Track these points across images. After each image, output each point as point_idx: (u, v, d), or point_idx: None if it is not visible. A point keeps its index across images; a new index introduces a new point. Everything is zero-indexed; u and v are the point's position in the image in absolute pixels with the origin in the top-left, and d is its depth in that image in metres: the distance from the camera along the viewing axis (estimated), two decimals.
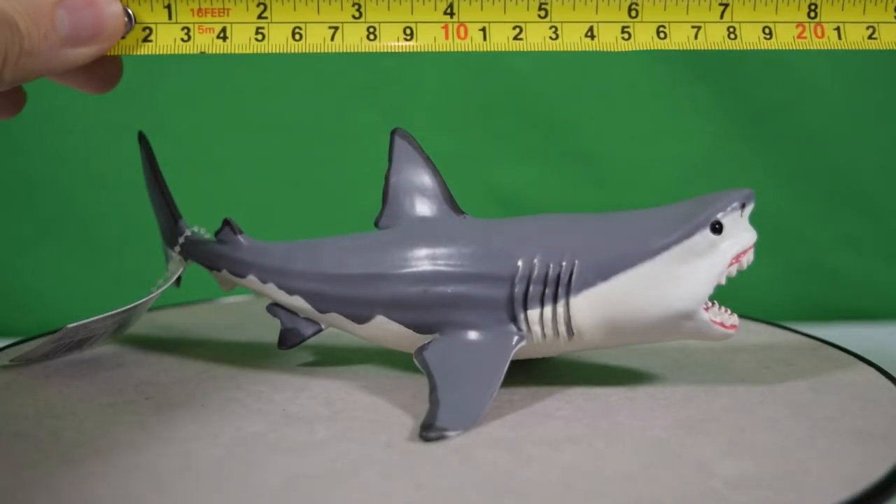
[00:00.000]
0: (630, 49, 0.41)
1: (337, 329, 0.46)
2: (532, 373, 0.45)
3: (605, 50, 0.41)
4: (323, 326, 0.46)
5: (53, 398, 0.43)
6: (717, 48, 0.41)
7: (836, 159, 0.73)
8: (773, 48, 0.42)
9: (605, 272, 0.40)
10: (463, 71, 0.72)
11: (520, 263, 0.41)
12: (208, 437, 0.38)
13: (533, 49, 0.41)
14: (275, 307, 0.47)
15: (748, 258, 0.41)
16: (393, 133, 0.46)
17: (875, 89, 0.71)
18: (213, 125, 0.73)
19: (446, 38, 0.41)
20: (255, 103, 0.74)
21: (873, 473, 0.34)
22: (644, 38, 0.41)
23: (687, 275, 0.40)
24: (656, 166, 0.73)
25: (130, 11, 0.40)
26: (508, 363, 0.40)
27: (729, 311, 0.42)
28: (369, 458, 0.36)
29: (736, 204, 0.41)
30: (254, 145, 0.74)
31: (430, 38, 0.41)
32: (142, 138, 0.50)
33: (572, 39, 0.41)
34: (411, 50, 0.41)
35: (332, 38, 0.41)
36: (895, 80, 0.71)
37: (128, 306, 0.47)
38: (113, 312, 0.47)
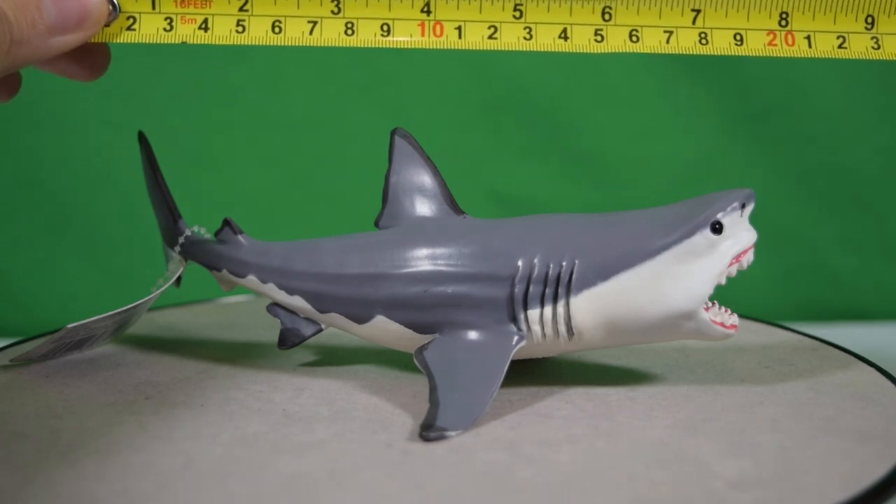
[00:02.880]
0: (602, 51, 0.42)
1: (337, 329, 0.46)
2: (532, 373, 0.45)
3: (577, 52, 0.42)
4: (323, 326, 0.46)
5: (53, 398, 0.43)
6: (688, 52, 0.42)
7: (836, 159, 0.73)
8: (744, 54, 0.42)
9: (605, 272, 0.40)
10: (463, 71, 0.72)
11: (520, 263, 0.41)
12: (208, 437, 0.38)
13: (507, 48, 0.42)
14: (275, 307, 0.47)
15: (748, 258, 0.41)
16: (393, 133, 0.46)
17: (875, 90, 0.71)
18: (213, 125, 0.73)
19: (422, 35, 0.42)
20: (255, 103, 0.74)
21: (873, 473, 0.34)
22: (616, 42, 0.42)
23: (687, 274, 0.40)
24: (656, 166, 0.73)
25: (115, 0, 0.41)
26: (508, 363, 0.40)
27: (729, 311, 0.42)
28: (369, 458, 0.36)
29: (736, 204, 0.41)
30: (253, 145, 0.74)
31: (407, 35, 0.42)
32: (142, 138, 0.50)
33: (546, 40, 0.42)
34: (388, 46, 0.42)
35: (311, 33, 0.42)
36: (895, 80, 0.71)
37: (128, 306, 0.47)
38: (113, 312, 0.47)
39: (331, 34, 0.42)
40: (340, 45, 0.41)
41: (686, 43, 0.42)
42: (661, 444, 0.37)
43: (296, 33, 0.42)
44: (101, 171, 0.72)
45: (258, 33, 0.42)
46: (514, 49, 0.42)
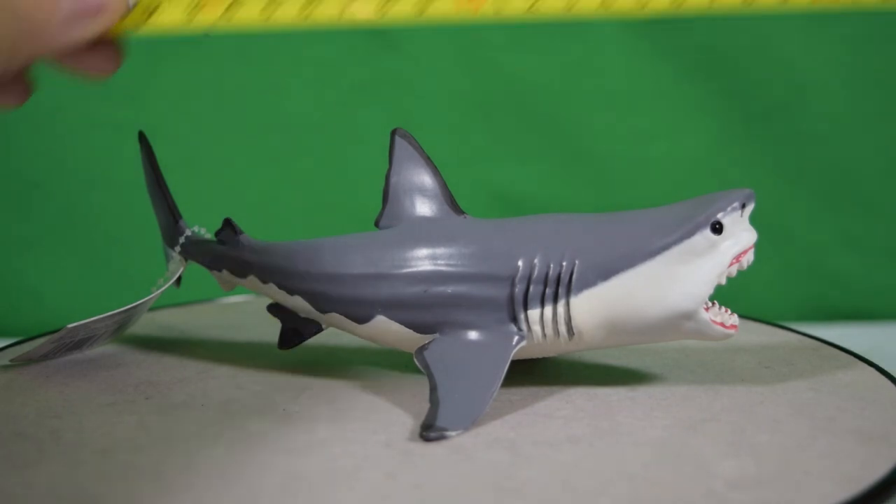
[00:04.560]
0: (610, 14, 0.39)
1: (337, 329, 0.46)
2: (532, 373, 0.45)
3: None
4: (323, 326, 0.46)
5: (53, 398, 0.43)
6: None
7: (836, 159, 0.73)
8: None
9: (605, 272, 0.40)
10: (463, 71, 0.72)
11: (520, 263, 0.41)
12: (209, 437, 0.38)
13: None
14: (275, 307, 0.47)
15: (748, 258, 0.41)
16: (393, 133, 0.46)
17: (875, 89, 0.71)
18: (212, 125, 0.73)
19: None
20: (255, 103, 0.74)
21: (873, 473, 0.34)
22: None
23: (687, 275, 0.40)
24: (656, 166, 0.73)
25: None
26: (509, 363, 0.40)
27: (729, 311, 0.42)
28: (369, 458, 0.36)
29: (736, 204, 0.41)
30: (254, 145, 0.74)
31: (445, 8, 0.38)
32: (142, 138, 0.50)
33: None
34: (425, 20, 0.38)
35: (347, 8, 0.37)
36: (895, 80, 0.71)
37: (128, 306, 0.47)
38: (113, 312, 0.47)
39: (367, 9, 0.38)
40: (378, 19, 0.37)
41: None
42: (661, 444, 0.37)
43: (331, 10, 0.38)
44: (101, 171, 0.72)
45: (288, 15, 0.38)
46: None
